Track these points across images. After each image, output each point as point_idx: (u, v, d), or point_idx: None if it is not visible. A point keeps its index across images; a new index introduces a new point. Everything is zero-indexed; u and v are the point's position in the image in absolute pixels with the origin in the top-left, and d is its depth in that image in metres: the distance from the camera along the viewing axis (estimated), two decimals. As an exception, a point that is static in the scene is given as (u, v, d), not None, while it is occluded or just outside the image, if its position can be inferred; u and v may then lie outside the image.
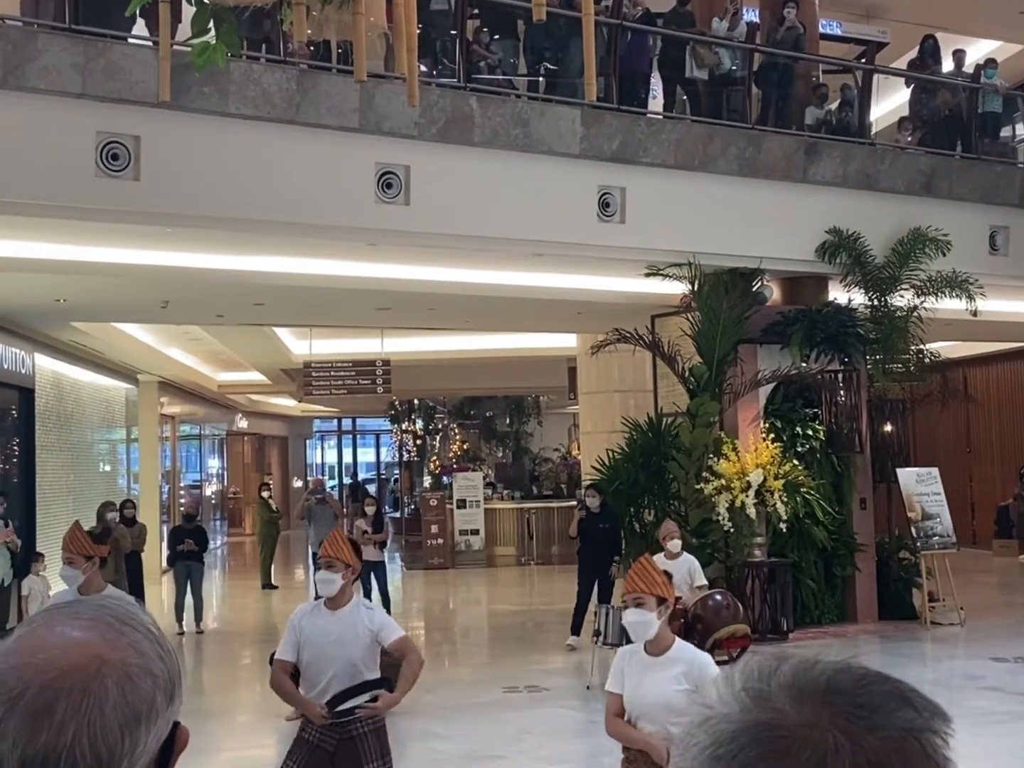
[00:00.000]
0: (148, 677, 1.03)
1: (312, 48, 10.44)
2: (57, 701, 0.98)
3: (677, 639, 4.70)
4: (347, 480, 40.07)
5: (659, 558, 10.43)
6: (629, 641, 10.61)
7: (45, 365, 15.88)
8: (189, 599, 14.64)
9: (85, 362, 17.94)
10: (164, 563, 16.84)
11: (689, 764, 0.86)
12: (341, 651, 5.06)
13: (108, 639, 1.03)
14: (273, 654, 10.11)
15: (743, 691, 0.87)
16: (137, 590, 13.87)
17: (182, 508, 21.42)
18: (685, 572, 10.23)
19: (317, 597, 10.42)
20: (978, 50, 17.45)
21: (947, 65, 15.26)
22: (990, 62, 15.12)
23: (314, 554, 15.43)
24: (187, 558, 14.66)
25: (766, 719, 0.85)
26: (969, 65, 15.40)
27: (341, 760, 5.05)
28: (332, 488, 35.07)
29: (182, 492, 25.11)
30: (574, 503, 12.65)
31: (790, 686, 0.87)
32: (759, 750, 0.83)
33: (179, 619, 14.50)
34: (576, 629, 12.24)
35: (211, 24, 4.98)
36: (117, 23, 9.31)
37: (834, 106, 14.35)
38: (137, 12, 6.57)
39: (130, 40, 9.56)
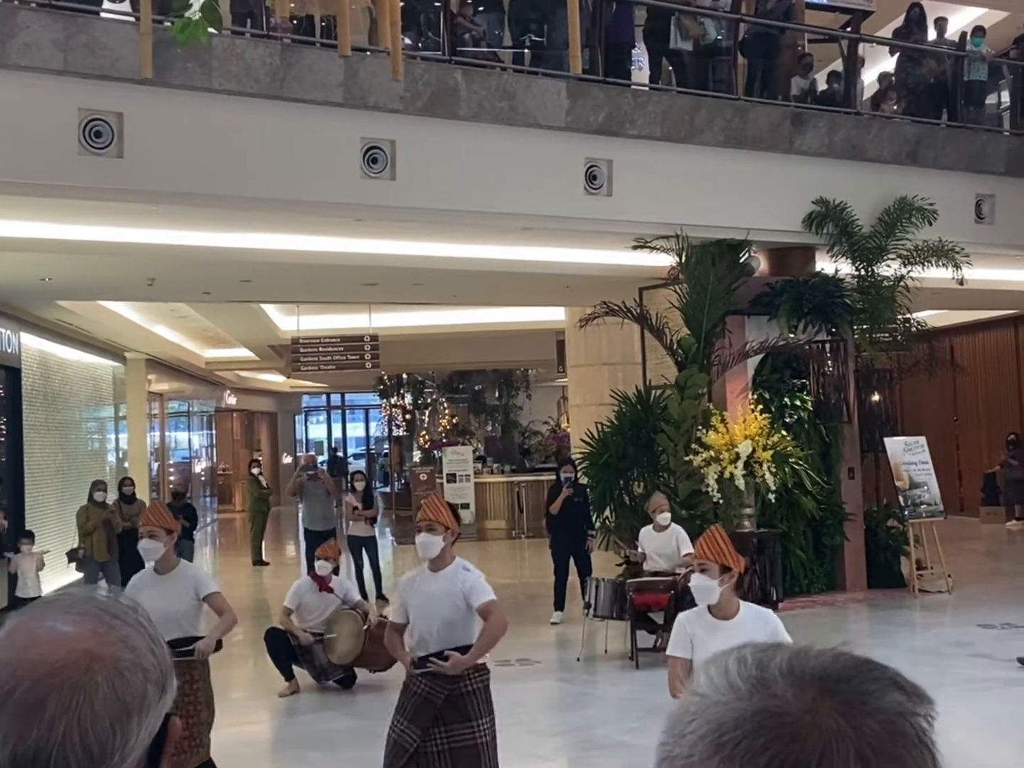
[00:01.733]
0: (139, 671, 1.03)
1: (295, 22, 10.37)
2: (48, 697, 0.99)
3: (743, 604, 4.88)
4: (341, 455, 40.12)
5: (647, 530, 10.51)
6: (620, 612, 10.70)
7: (31, 344, 15.82)
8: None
9: (72, 340, 17.88)
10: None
11: (686, 751, 0.86)
12: (438, 610, 5.23)
13: (99, 634, 1.04)
14: (268, 631, 10.16)
15: (740, 679, 0.88)
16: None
17: (171, 486, 21.41)
18: (673, 543, 10.30)
19: (309, 572, 10.49)
20: (962, 18, 17.39)
21: (931, 34, 15.21)
22: (977, 30, 15.06)
23: (306, 530, 15.42)
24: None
25: (769, 706, 0.85)
26: (953, 33, 15.36)
27: (448, 713, 5.21)
28: (323, 463, 35.10)
29: (171, 469, 25.10)
30: (560, 479, 12.70)
31: (789, 673, 0.87)
32: (765, 737, 0.84)
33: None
34: (559, 605, 12.33)
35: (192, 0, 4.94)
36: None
37: (820, 75, 14.31)
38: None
39: (111, 16, 9.48)
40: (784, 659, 0.89)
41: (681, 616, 5.04)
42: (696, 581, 4.85)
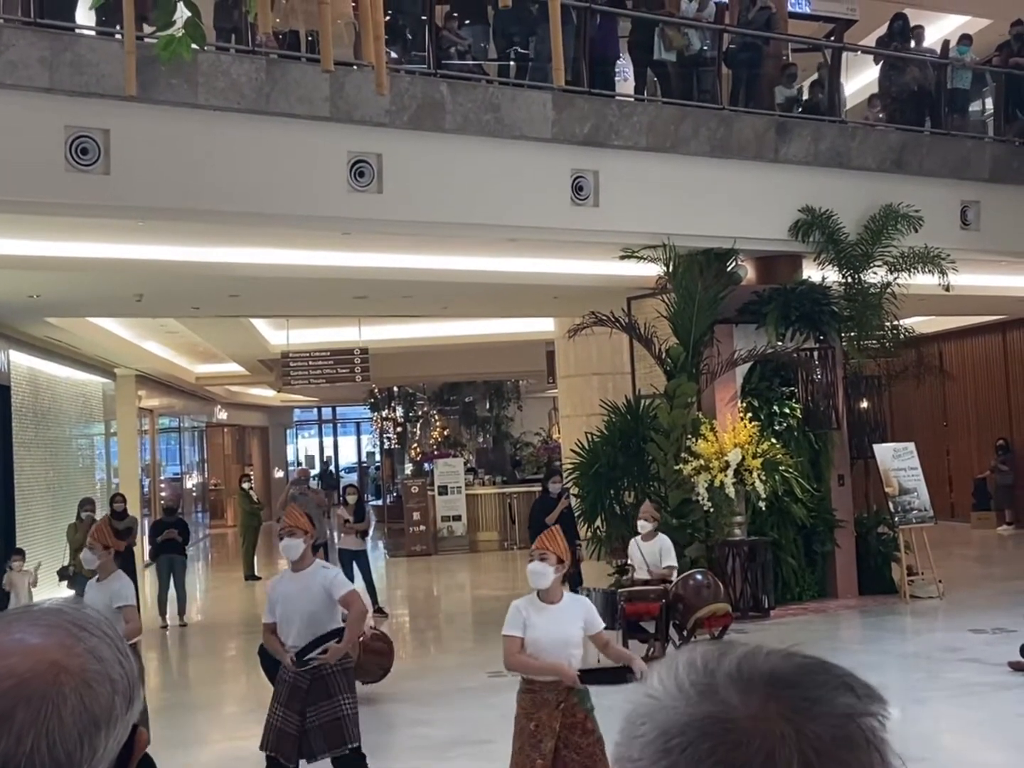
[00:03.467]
0: (107, 683, 1.03)
1: (281, 37, 10.40)
2: (16, 709, 0.98)
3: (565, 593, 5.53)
4: (331, 469, 40.24)
5: (637, 540, 10.53)
6: (611, 622, 10.73)
7: (20, 361, 15.80)
8: (172, 592, 14.62)
9: (61, 357, 17.85)
10: (146, 557, 16.79)
11: (636, 754, 0.88)
12: (303, 606, 5.98)
13: (67, 645, 1.03)
14: (261, 645, 10.19)
15: (689, 683, 0.89)
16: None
17: (163, 502, 21.37)
18: (656, 553, 10.31)
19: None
20: (946, 25, 17.50)
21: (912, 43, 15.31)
22: (963, 38, 15.15)
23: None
24: (170, 551, 14.62)
25: (715, 711, 0.87)
26: (936, 41, 15.44)
27: (314, 694, 5.99)
28: (315, 478, 35.07)
29: (162, 485, 25.06)
30: (548, 490, 12.76)
31: (736, 678, 0.89)
32: (710, 743, 0.85)
33: (162, 612, 14.48)
34: None
35: (176, 16, 4.95)
36: (73, 14, 9.25)
37: (804, 84, 14.40)
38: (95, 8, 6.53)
39: (96, 33, 9.50)
40: (733, 662, 0.90)
41: (515, 602, 5.53)
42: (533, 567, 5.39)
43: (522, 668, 5.38)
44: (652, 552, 10.30)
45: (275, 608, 6.06)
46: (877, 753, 0.87)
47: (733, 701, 0.87)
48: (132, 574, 14.09)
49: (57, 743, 0.99)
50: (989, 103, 15.34)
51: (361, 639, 9.67)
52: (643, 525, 10.27)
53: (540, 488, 13.27)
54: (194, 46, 5.23)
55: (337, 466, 40.96)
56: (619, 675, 6.01)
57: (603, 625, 5.64)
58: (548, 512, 12.40)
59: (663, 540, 10.35)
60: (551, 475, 13.26)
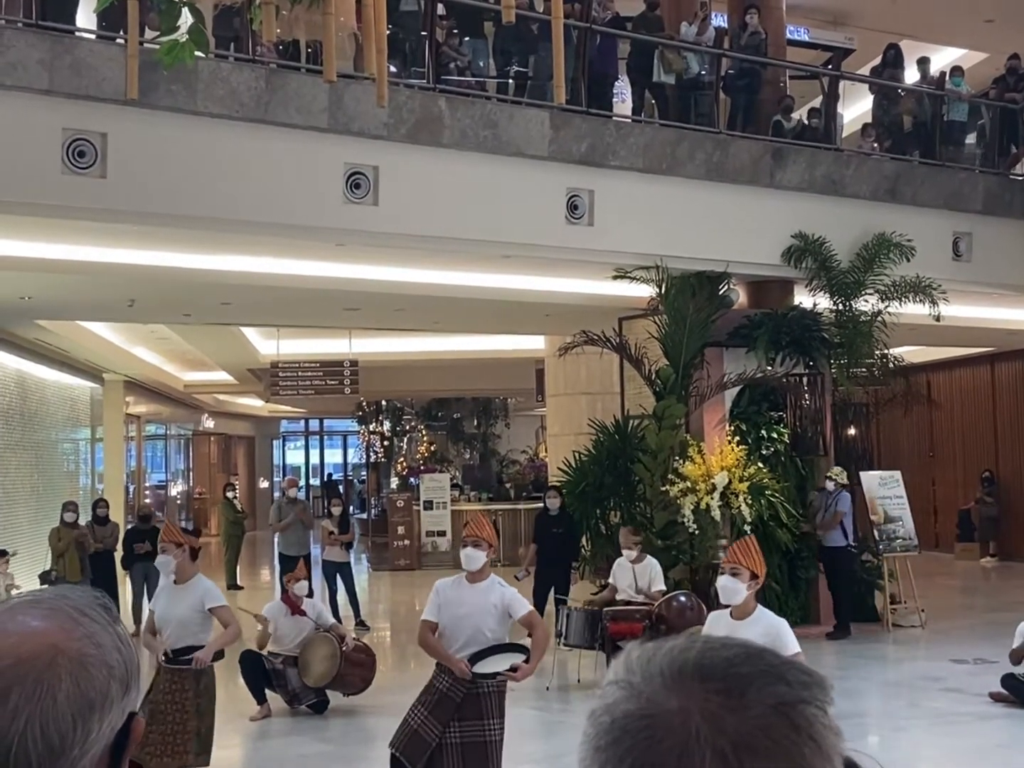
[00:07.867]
0: (103, 667, 1.06)
1: (281, 47, 10.43)
2: (11, 689, 1.01)
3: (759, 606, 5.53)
4: (316, 481, 40.27)
5: (622, 562, 10.55)
6: (591, 641, 10.72)
7: (9, 363, 15.76)
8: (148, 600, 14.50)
9: (50, 361, 17.81)
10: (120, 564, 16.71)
11: (582, 754, 0.90)
12: (479, 621, 5.74)
13: (66, 629, 1.06)
14: (242, 654, 10.13)
15: (618, 682, 0.90)
16: (109, 589, 13.76)
17: (140, 509, 21.27)
18: (647, 576, 10.32)
19: (283, 595, 10.55)
20: (943, 58, 17.63)
21: (911, 74, 15.41)
22: (956, 70, 15.26)
23: (281, 554, 15.31)
24: (145, 559, 14.50)
25: (635, 709, 0.88)
26: (933, 73, 15.54)
27: (465, 710, 5.69)
28: (300, 489, 34.98)
29: (147, 492, 24.97)
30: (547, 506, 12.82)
31: (660, 674, 0.89)
32: (629, 741, 0.86)
33: (137, 620, 14.36)
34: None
35: (180, 22, 4.97)
36: (73, 17, 9.26)
37: (802, 113, 14.47)
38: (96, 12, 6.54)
39: (97, 37, 9.52)
40: (665, 657, 0.91)
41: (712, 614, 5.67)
42: (724, 582, 5.46)
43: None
44: (642, 575, 10.32)
45: (440, 609, 5.82)
46: (812, 742, 0.86)
47: (657, 698, 0.88)
48: (112, 580, 14.05)
49: (50, 724, 1.01)
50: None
51: (344, 649, 9.65)
52: (628, 554, 10.32)
53: (541, 504, 13.36)
54: (197, 52, 5.25)
55: (322, 477, 40.99)
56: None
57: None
58: (548, 525, 12.39)
59: (652, 563, 10.36)
60: (548, 490, 13.30)
